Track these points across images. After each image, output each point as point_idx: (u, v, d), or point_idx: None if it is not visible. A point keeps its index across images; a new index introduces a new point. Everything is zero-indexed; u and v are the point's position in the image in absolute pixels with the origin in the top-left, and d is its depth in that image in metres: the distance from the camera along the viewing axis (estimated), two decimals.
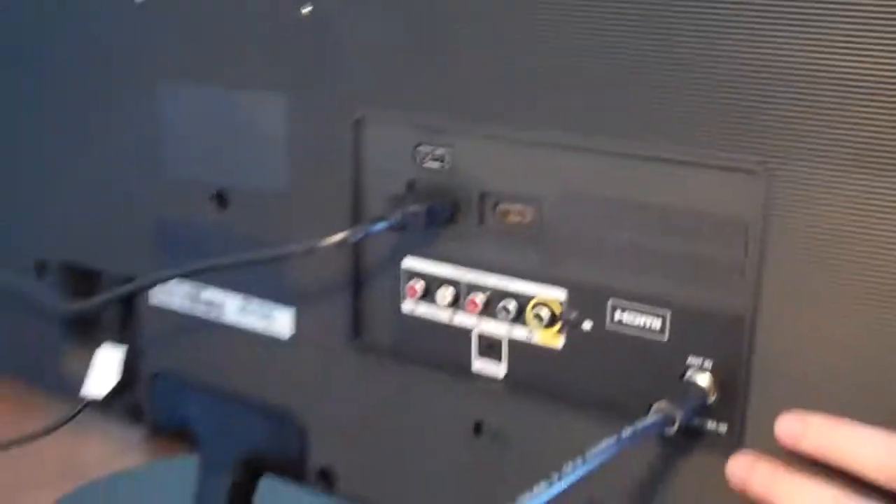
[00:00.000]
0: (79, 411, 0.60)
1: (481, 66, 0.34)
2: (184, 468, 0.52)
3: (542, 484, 0.25)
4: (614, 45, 0.30)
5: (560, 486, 0.25)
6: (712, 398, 0.30)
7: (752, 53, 0.28)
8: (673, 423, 0.29)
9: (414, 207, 0.34)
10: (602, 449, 0.27)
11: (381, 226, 0.34)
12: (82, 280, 0.53)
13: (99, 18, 0.46)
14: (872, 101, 0.27)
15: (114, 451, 0.69)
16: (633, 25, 0.30)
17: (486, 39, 0.33)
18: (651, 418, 0.28)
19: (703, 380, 0.30)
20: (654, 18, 0.29)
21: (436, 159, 0.36)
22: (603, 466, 0.27)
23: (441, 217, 0.35)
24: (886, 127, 0.26)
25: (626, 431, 0.27)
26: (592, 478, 0.27)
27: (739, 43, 0.28)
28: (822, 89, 0.27)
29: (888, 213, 0.27)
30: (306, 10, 0.38)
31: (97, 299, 0.48)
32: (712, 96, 0.29)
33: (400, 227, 0.34)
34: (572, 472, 0.26)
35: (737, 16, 0.28)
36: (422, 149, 0.36)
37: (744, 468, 0.28)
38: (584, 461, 0.26)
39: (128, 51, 0.45)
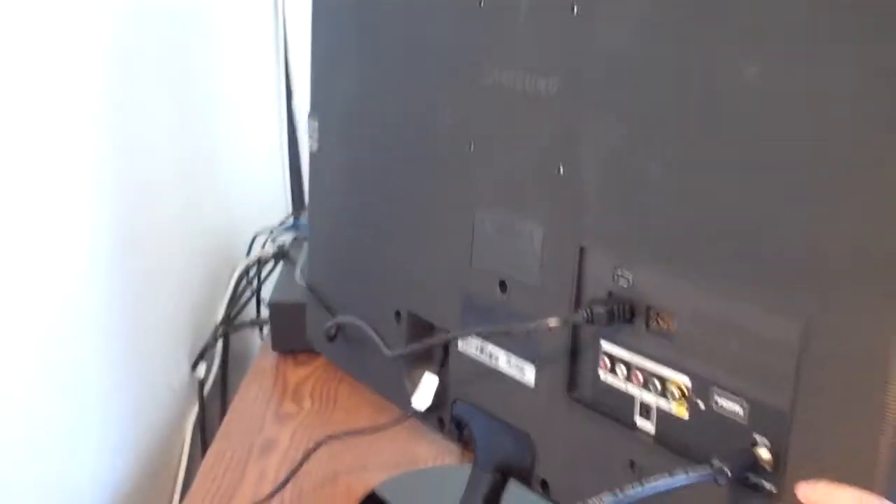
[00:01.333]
0: (406, 418, 0.83)
1: (655, 231, 0.50)
2: None
3: (605, 495, 0.40)
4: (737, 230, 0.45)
5: (614, 500, 0.40)
6: (768, 465, 0.43)
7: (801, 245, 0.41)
8: (724, 476, 0.42)
9: (599, 309, 0.51)
10: (658, 481, 0.41)
11: (579, 318, 0.52)
12: (421, 327, 0.74)
13: (443, 160, 0.67)
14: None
15: (437, 452, 0.90)
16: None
17: (658, 213, 0.49)
18: (703, 470, 0.42)
19: (765, 452, 0.43)
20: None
21: (624, 278, 0.52)
22: (656, 494, 0.41)
23: (620, 318, 0.51)
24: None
25: (681, 474, 0.41)
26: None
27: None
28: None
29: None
30: (561, 172, 0.56)
31: (416, 346, 0.69)
32: (772, 266, 0.43)
33: (590, 321, 0.51)
34: (629, 493, 0.40)
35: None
36: (617, 271, 0.53)
37: None
38: (641, 486, 0.41)
39: (457, 183, 0.66)
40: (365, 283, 0.79)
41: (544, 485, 0.60)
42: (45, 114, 0.75)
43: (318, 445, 0.84)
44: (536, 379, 0.60)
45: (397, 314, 0.74)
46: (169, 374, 1.03)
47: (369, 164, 0.76)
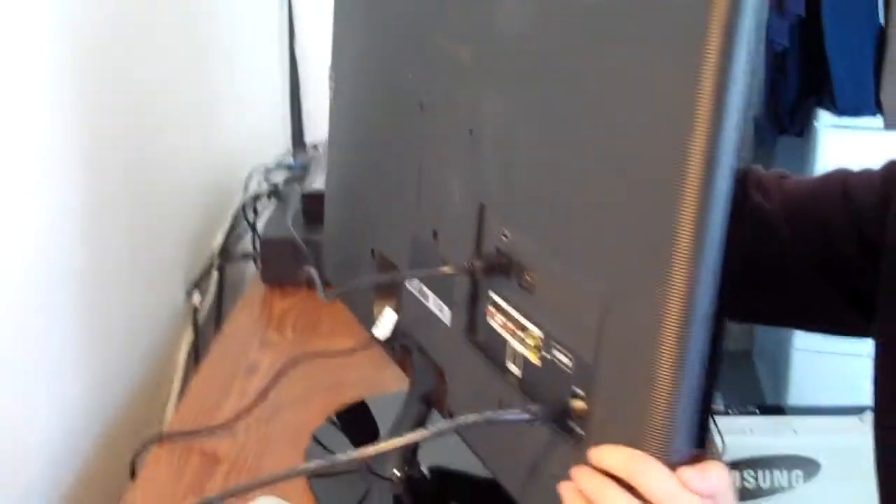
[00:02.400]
0: (367, 345, 0.93)
1: (524, 198, 0.57)
2: None
3: (429, 426, 0.49)
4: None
5: (428, 432, 0.48)
6: (581, 412, 0.50)
7: None
8: (536, 419, 0.50)
9: (478, 263, 0.59)
10: (473, 418, 0.50)
11: (461, 269, 0.60)
12: (387, 264, 0.81)
13: (403, 116, 0.76)
14: None
15: (401, 376, 1.01)
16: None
17: (526, 182, 0.57)
18: (515, 412, 0.51)
19: (578, 402, 0.51)
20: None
21: (505, 237, 0.59)
22: (473, 428, 0.49)
23: (498, 272, 0.59)
24: None
25: (493, 413, 0.50)
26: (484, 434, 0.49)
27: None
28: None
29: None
30: (471, 134, 0.63)
31: (353, 284, 0.79)
32: (591, 243, 0.50)
33: (471, 273, 0.60)
34: (445, 425, 0.49)
35: None
36: (502, 230, 0.59)
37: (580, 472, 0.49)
38: (456, 422, 0.49)
39: (411, 138, 0.72)
40: (353, 224, 0.89)
41: (451, 415, 0.69)
42: (44, 43, 0.81)
43: (291, 363, 0.95)
44: (450, 320, 0.69)
45: (371, 252, 0.84)
46: (166, 301, 1.15)
47: (361, 119, 0.85)
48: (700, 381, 0.45)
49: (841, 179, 0.66)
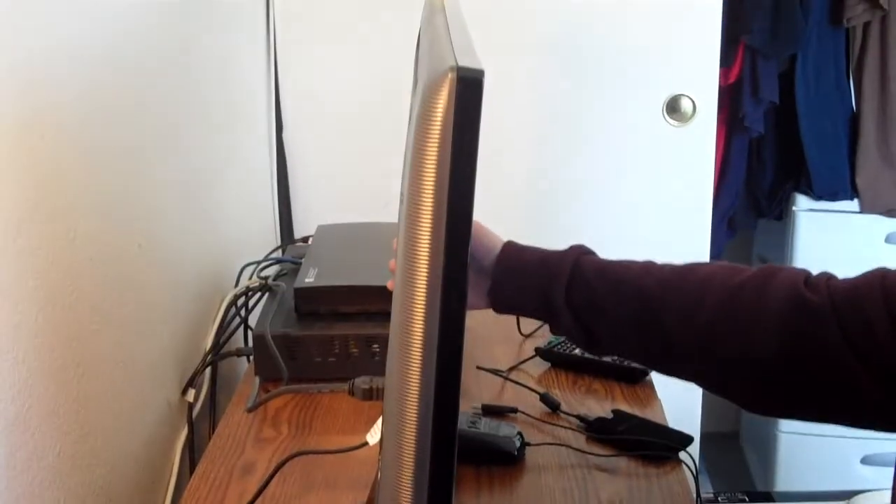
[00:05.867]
0: (360, 446, 0.98)
1: None
2: None
3: None
4: None
5: None
6: None
7: None
8: None
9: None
10: None
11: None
12: None
13: None
14: None
15: None
16: None
17: None
18: None
19: None
20: None
21: None
22: None
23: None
24: None
25: None
26: None
27: None
28: None
29: None
30: None
31: (267, 396, 0.83)
32: None
33: (350, 393, 0.65)
34: None
35: None
36: None
37: None
38: None
39: None
40: None
41: None
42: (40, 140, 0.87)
43: (286, 461, 0.99)
44: None
45: None
46: (161, 399, 1.18)
47: None
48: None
49: (880, 275, 0.73)
